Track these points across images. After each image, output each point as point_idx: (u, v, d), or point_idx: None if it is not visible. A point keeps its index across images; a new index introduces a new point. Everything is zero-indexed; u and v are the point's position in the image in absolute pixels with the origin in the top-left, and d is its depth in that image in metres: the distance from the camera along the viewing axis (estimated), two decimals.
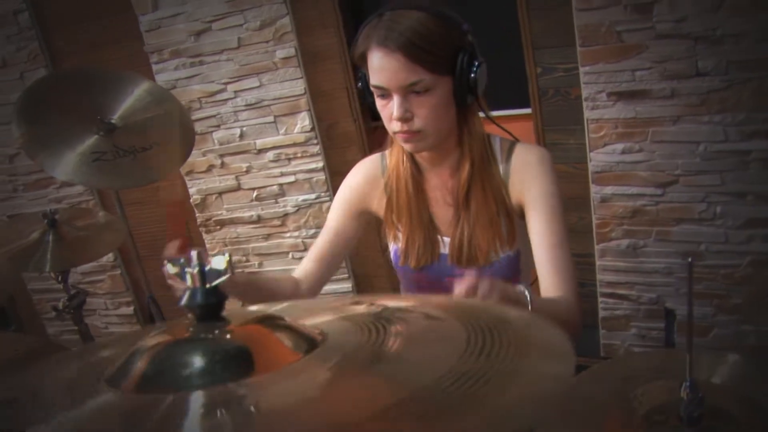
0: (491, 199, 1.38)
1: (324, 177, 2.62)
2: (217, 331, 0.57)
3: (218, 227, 2.78)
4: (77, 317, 1.87)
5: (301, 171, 2.62)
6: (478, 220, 1.37)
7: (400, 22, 1.24)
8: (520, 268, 1.43)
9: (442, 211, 1.44)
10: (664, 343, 2.38)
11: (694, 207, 2.23)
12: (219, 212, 2.76)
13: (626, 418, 0.95)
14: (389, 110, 1.29)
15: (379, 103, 1.32)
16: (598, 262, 2.44)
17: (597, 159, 2.29)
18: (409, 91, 1.26)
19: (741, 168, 2.12)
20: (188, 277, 0.57)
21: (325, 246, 1.55)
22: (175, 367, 0.53)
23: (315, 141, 2.57)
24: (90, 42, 2.73)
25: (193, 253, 0.56)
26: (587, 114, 2.26)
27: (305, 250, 2.72)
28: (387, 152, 1.50)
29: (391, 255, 1.53)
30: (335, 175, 2.64)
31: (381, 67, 1.26)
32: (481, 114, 1.39)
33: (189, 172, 2.73)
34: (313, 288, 1.60)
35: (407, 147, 1.36)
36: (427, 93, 1.26)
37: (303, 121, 2.55)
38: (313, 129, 2.56)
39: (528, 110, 2.40)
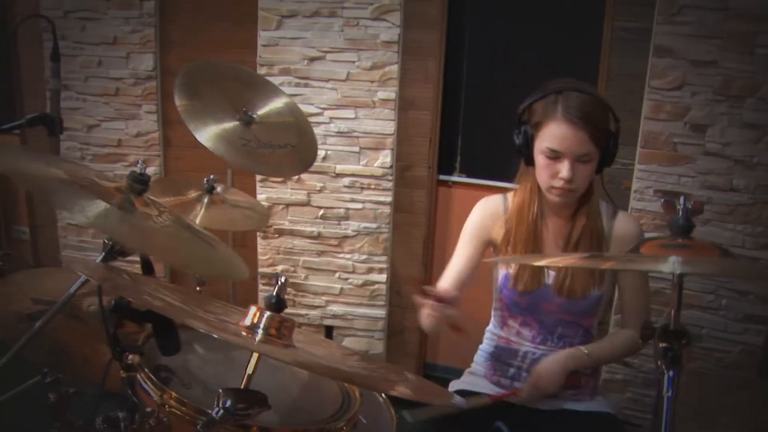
0: (594, 248, 1.74)
1: (389, 211, 2.89)
2: (683, 239, 1.09)
3: (276, 235, 2.96)
4: None
5: (370, 201, 2.88)
6: None
7: (583, 103, 1.60)
8: (600, 304, 1.78)
9: (552, 249, 1.78)
10: (653, 409, 2.76)
11: (704, 296, 2.67)
12: (282, 222, 2.94)
13: None
14: (553, 169, 1.64)
15: (545, 162, 1.65)
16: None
17: None
18: (577, 159, 1.62)
19: None
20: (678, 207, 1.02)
21: (460, 272, 1.83)
22: None
23: (390, 178, 2.86)
24: (202, 40, 2.92)
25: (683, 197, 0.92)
26: (633, 204, 2.69)
27: (353, 272, 2.94)
28: (509, 194, 1.85)
29: (500, 278, 1.82)
30: (398, 211, 2.93)
31: (563, 136, 1.60)
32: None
33: (263, 179, 2.92)
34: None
35: (558, 199, 1.69)
36: (588, 162, 1.64)
37: (385, 158, 2.84)
38: (391, 167, 2.85)
39: None
